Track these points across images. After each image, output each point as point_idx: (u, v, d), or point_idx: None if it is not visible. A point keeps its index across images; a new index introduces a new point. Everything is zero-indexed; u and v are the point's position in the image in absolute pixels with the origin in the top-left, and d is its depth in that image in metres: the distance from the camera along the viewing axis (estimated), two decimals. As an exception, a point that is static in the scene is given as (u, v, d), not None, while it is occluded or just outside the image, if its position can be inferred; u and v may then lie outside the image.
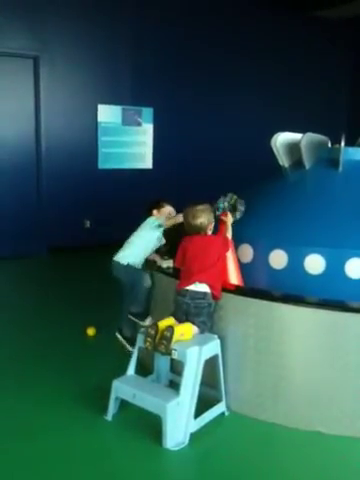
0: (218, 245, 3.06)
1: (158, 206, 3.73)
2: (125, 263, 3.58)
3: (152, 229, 3.61)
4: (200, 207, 3.06)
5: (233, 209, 3.42)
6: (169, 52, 7.30)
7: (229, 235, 3.22)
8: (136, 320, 3.59)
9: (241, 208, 3.41)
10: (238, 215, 3.41)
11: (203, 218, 3.02)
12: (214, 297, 2.94)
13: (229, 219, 3.26)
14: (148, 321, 3.55)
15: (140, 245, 3.61)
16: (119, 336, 3.72)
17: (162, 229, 3.64)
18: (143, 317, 3.57)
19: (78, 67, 6.74)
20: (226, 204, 3.43)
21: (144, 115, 7.25)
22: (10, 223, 6.57)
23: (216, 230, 3.26)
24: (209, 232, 3.10)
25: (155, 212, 3.71)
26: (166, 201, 3.77)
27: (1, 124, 6.38)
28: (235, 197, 3.46)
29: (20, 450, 2.61)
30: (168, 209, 3.72)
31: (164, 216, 3.67)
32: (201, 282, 2.92)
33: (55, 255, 6.71)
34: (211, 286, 2.93)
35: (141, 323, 3.55)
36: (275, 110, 8.09)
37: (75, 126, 6.83)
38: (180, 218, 3.45)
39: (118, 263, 3.60)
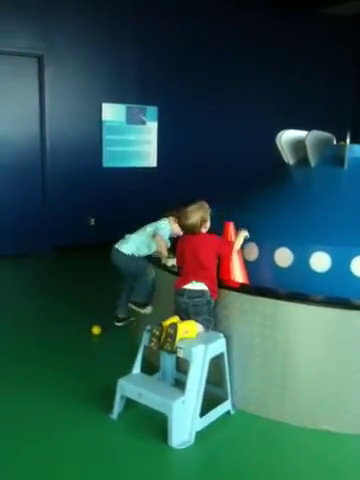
0: (212, 244, 3.00)
1: (175, 215, 3.68)
2: (129, 253, 3.60)
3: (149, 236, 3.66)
4: (191, 207, 2.98)
5: None
6: (173, 50, 7.29)
7: (236, 246, 3.17)
8: (137, 308, 3.63)
9: None
10: None
11: (194, 218, 2.96)
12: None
13: (243, 234, 3.21)
14: (148, 309, 3.59)
15: (144, 241, 3.63)
16: (119, 323, 3.90)
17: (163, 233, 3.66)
18: (144, 306, 3.62)
19: (83, 66, 6.75)
20: None
21: (148, 113, 7.24)
22: (15, 221, 6.59)
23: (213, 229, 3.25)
24: (204, 230, 3.03)
25: (171, 217, 3.71)
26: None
27: (6, 123, 6.40)
28: None
29: (25, 448, 2.61)
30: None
31: (176, 230, 3.65)
32: (198, 280, 2.92)
33: (60, 253, 6.72)
34: (207, 285, 2.93)
35: (141, 311, 3.61)
36: (280, 107, 8.07)
37: (80, 125, 6.83)
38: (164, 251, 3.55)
39: (118, 251, 3.61)
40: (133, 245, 3.61)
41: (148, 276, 3.55)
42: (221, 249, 3.07)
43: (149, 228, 3.69)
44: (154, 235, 3.61)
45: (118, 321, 3.96)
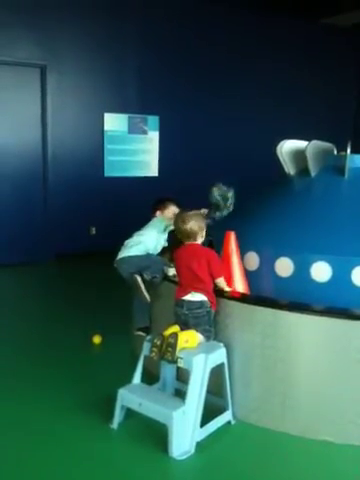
0: (207, 259, 2.91)
1: (162, 207, 3.64)
2: (133, 254, 3.44)
3: (158, 231, 3.54)
4: (190, 212, 2.98)
5: (223, 203, 3.48)
6: (175, 60, 7.34)
7: (224, 285, 3.04)
8: (143, 334, 3.41)
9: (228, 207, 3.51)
10: (225, 212, 3.50)
11: (192, 223, 2.92)
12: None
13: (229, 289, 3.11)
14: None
15: (143, 245, 3.50)
16: (139, 332, 3.53)
17: (167, 230, 3.57)
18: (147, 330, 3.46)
19: (85, 76, 6.79)
20: (219, 198, 3.51)
21: (150, 123, 7.28)
22: (18, 230, 6.60)
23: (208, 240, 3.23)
24: (199, 240, 3.00)
25: (158, 213, 3.65)
26: (171, 201, 3.68)
27: (9, 132, 6.43)
28: (230, 194, 3.54)
29: (24, 458, 2.60)
30: (172, 209, 3.61)
31: (168, 217, 3.57)
32: (196, 291, 2.90)
33: (62, 261, 6.73)
34: (205, 296, 2.90)
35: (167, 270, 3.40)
36: (281, 117, 8.10)
37: (81, 134, 6.87)
38: None
39: (123, 258, 3.44)
40: (134, 250, 3.50)
41: (162, 261, 3.44)
42: (213, 269, 2.93)
43: (144, 231, 3.56)
44: (165, 227, 3.52)
45: (139, 329, 3.61)
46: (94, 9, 6.67)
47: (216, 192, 3.60)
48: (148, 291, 3.44)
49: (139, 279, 3.42)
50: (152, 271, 3.41)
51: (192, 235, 2.96)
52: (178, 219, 2.99)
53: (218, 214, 3.58)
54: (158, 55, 7.18)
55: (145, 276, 3.41)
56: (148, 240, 3.51)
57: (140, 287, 3.42)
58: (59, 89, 6.60)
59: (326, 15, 7.99)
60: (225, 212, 3.59)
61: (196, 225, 2.95)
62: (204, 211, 3.49)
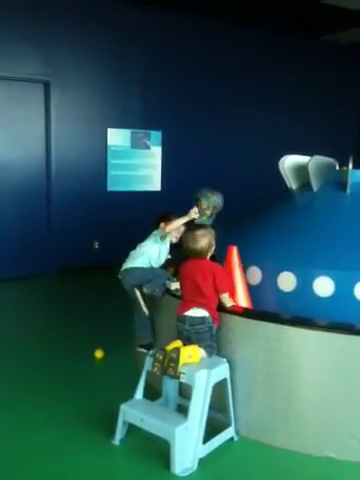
0: (213, 274, 2.90)
1: (166, 219, 3.66)
2: (138, 265, 3.48)
3: (157, 241, 3.57)
4: (200, 231, 2.97)
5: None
6: (178, 76, 7.41)
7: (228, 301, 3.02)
8: (145, 350, 3.37)
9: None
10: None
11: (203, 242, 2.93)
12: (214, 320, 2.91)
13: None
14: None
15: (146, 256, 3.53)
16: (141, 349, 3.50)
17: (167, 240, 3.61)
18: (149, 347, 3.41)
19: (88, 91, 6.86)
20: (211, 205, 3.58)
21: (153, 138, 7.33)
22: (21, 244, 6.62)
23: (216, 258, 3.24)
24: (209, 255, 3.01)
25: (162, 225, 3.66)
26: (175, 215, 3.70)
27: (13, 147, 6.49)
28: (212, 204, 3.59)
29: (26, 475, 2.58)
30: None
31: (170, 228, 3.57)
32: (199, 307, 2.88)
33: (64, 275, 6.73)
34: (208, 311, 2.89)
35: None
36: (284, 132, 8.15)
37: (85, 149, 6.92)
38: (180, 222, 3.45)
39: (127, 269, 3.48)
40: (138, 262, 3.53)
41: (164, 275, 3.45)
42: (218, 283, 2.92)
43: (146, 242, 3.61)
44: (162, 237, 3.54)
45: (141, 346, 3.59)
46: (97, 25, 6.75)
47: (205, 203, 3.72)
48: (148, 305, 3.46)
49: (138, 293, 3.46)
50: (153, 285, 3.42)
51: (203, 254, 2.97)
52: (188, 239, 2.99)
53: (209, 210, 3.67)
54: (161, 71, 7.26)
55: (144, 290, 3.43)
56: (149, 251, 3.56)
57: (139, 301, 3.44)
58: (62, 104, 6.66)
59: (325, 32, 8.09)
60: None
61: (207, 244, 2.96)
62: (195, 211, 3.60)
